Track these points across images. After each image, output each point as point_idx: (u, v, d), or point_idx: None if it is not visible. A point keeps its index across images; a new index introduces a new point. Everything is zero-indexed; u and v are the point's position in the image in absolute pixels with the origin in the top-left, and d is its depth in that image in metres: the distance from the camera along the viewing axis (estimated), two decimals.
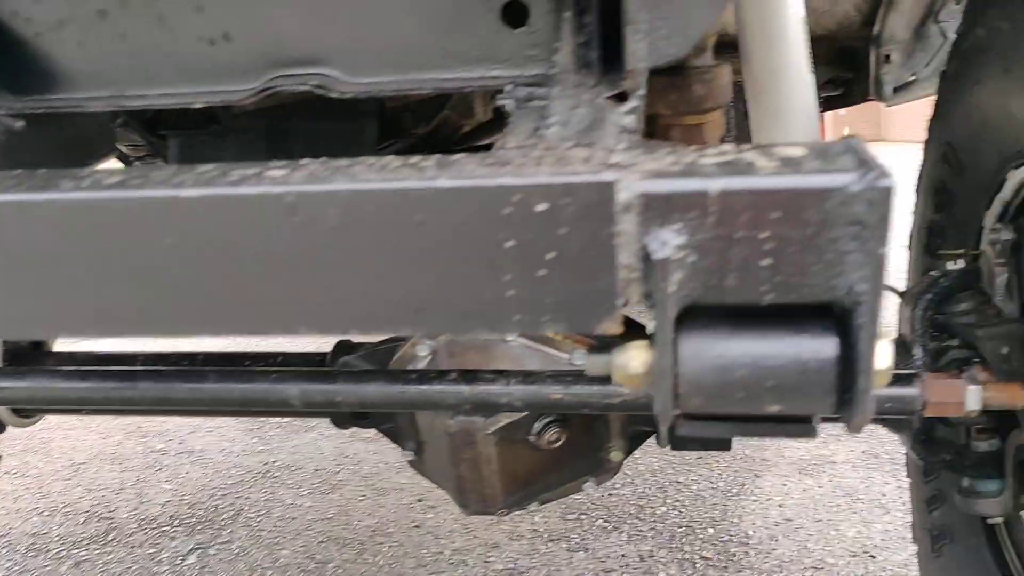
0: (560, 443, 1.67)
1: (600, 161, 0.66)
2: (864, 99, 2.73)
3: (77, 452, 4.13)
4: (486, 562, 2.91)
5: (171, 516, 3.36)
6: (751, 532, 3.08)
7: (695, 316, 0.69)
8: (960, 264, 1.73)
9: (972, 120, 1.76)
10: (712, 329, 0.69)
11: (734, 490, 3.47)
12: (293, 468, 3.79)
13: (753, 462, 3.74)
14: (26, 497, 3.63)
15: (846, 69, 2.74)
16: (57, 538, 3.21)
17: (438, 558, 2.95)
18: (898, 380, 1.45)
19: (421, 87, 0.94)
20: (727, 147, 0.67)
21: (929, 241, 2.07)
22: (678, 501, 3.38)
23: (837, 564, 2.82)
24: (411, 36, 0.93)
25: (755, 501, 3.36)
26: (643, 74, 0.86)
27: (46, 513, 3.45)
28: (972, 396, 1.42)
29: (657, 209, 0.63)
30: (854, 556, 2.87)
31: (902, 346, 1.71)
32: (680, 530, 3.11)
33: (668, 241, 0.63)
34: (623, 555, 2.93)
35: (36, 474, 3.87)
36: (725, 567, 2.83)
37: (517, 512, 1.81)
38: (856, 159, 0.63)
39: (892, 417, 1.51)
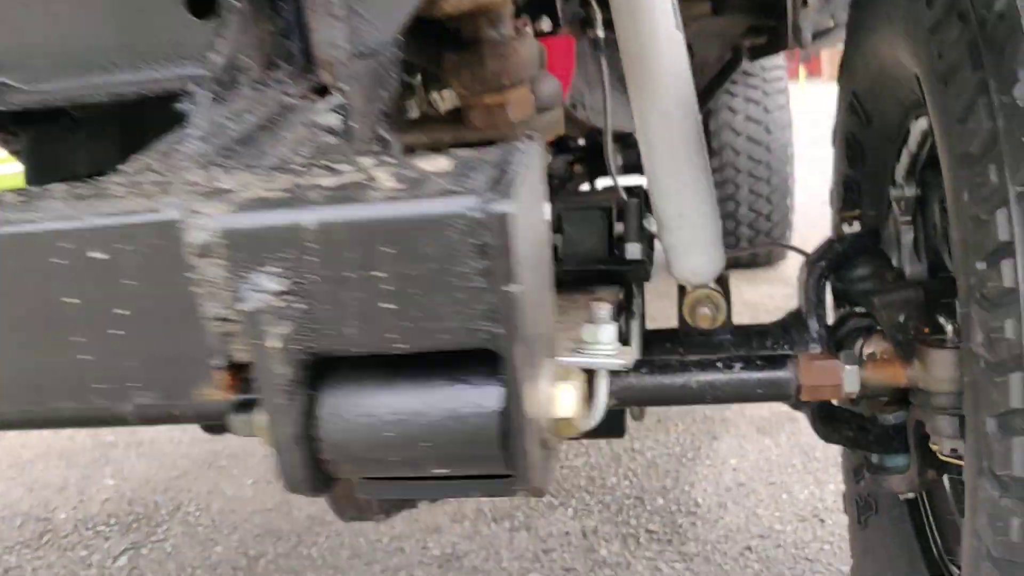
0: None
1: (191, 190, 0.52)
2: (786, 46, 2.57)
3: (25, 449, 4.04)
4: (424, 548, 2.81)
5: (109, 515, 3.27)
6: (701, 500, 2.98)
7: (339, 368, 0.56)
8: (856, 227, 1.59)
9: (871, 69, 1.61)
10: (358, 383, 0.56)
11: (689, 455, 3.37)
12: (240, 456, 3.69)
13: (712, 423, 3.63)
14: None
15: (767, 16, 2.58)
16: None
17: (375, 547, 2.85)
18: (770, 362, 1.32)
19: (103, 93, 0.80)
20: (395, 160, 0.54)
21: (846, 197, 1.93)
22: (630, 470, 3.27)
23: (785, 531, 2.72)
24: (90, 36, 0.79)
25: (709, 465, 3.25)
26: (346, 65, 0.72)
27: None
28: (850, 377, 1.30)
29: (248, 249, 0.49)
30: (803, 521, 2.77)
31: (796, 320, 1.58)
32: (629, 502, 3.01)
33: (263, 287, 0.50)
34: (566, 532, 2.83)
35: None
36: (670, 540, 2.72)
37: (398, 513, 1.69)
38: (494, 176, 0.49)
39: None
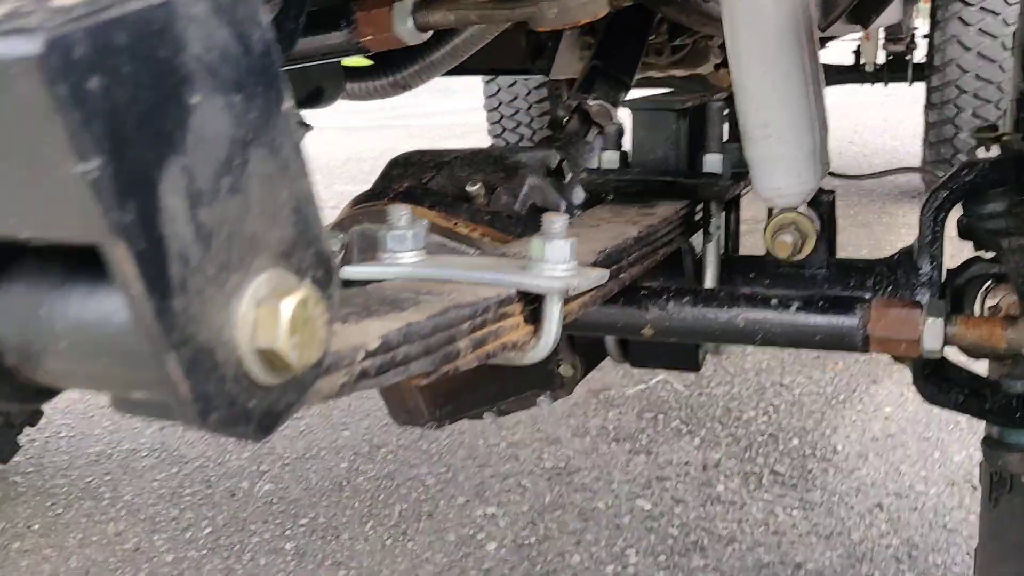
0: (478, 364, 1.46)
1: None
2: None
3: None
4: (539, 458, 2.76)
5: None
6: (840, 447, 2.73)
7: (21, 259, 0.48)
8: (995, 151, 1.32)
9: None
10: (35, 280, 0.47)
11: (841, 396, 3.10)
12: None
13: (876, 365, 3.32)
14: None
15: None
16: None
17: (492, 450, 2.83)
18: (836, 305, 1.11)
19: None
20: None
21: (1019, 117, 1.62)
22: (772, 406, 3.06)
23: (927, 493, 2.44)
24: None
25: (860, 411, 2.98)
26: None
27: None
28: (931, 332, 1.07)
29: None
30: (951, 485, 2.47)
31: (908, 259, 1.34)
32: (761, 439, 2.81)
33: None
34: (686, 462, 2.69)
35: None
36: (794, 485, 2.52)
37: (452, 423, 1.62)
38: (92, 5, 0.37)
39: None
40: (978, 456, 2.64)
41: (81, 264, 0.46)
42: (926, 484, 2.49)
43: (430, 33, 1.30)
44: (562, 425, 2.98)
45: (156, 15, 0.37)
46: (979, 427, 2.77)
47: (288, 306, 0.44)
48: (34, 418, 2.72)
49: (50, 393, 0.51)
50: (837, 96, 10.52)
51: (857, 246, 4.96)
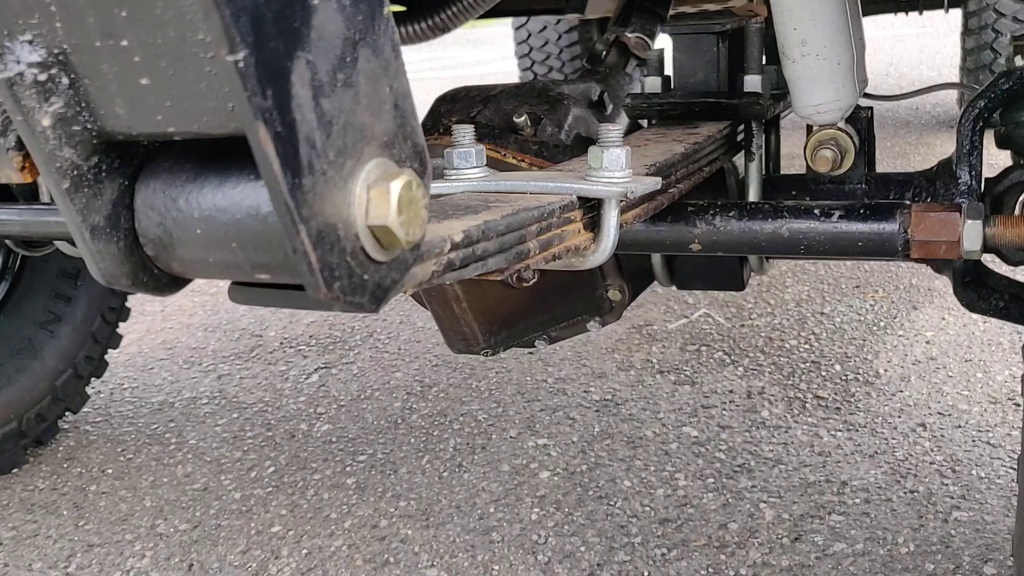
0: (535, 282, 1.52)
1: None
2: None
3: None
4: (586, 391, 2.84)
5: (311, 336, 3.55)
6: (882, 371, 2.77)
7: (160, 157, 0.54)
8: None
9: None
10: (172, 174, 0.53)
11: (882, 323, 3.13)
12: None
13: (916, 292, 3.34)
14: (199, 313, 3.96)
15: None
16: (211, 352, 3.49)
17: (540, 386, 2.91)
18: (876, 212, 1.16)
19: None
20: None
21: None
22: (814, 334, 3.10)
23: (970, 411, 2.48)
24: None
25: (901, 336, 3.01)
26: None
27: (209, 329, 3.75)
28: (971, 233, 1.11)
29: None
30: (994, 403, 2.51)
31: (946, 169, 1.38)
32: (804, 366, 2.86)
33: (22, 57, 0.47)
34: (731, 390, 2.75)
35: (214, 292, 4.20)
36: (838, 408, 2.57)
37: (510, 349, 1.69)
38: None
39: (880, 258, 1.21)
40: (1020, 373, 2.68)
41: (210, 160, 0.52)
42: (969, 403, 2.53)
43: None
44: (607, 360, 3.05)
45: None
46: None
47: (396, 188, 0.50)
48: (100, 369, 2.84)
49: (180, 283, 0.58)
50: (871, 30, 10.35)
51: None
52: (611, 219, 0.85)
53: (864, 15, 6.80)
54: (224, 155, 0.52)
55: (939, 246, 1.12)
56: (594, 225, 0.87)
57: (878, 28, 10.15)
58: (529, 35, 5.77)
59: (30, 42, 0.47)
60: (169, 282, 0.57)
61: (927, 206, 1.14)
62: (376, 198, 0.50)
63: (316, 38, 0.46)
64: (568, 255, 0.84)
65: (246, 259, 0.52)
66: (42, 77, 0.47)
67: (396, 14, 2.27)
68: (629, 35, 1.96)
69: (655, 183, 0.88)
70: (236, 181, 0.50)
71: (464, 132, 0.91)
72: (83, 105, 0.48)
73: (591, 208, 0.87)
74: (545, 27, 5.62)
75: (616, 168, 0.84)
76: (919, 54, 9.81)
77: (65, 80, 0.48)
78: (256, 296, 0.59)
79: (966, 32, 5.19)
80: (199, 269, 0.55)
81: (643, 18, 2.15)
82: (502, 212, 0.73)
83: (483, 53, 11.84)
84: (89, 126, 0.49)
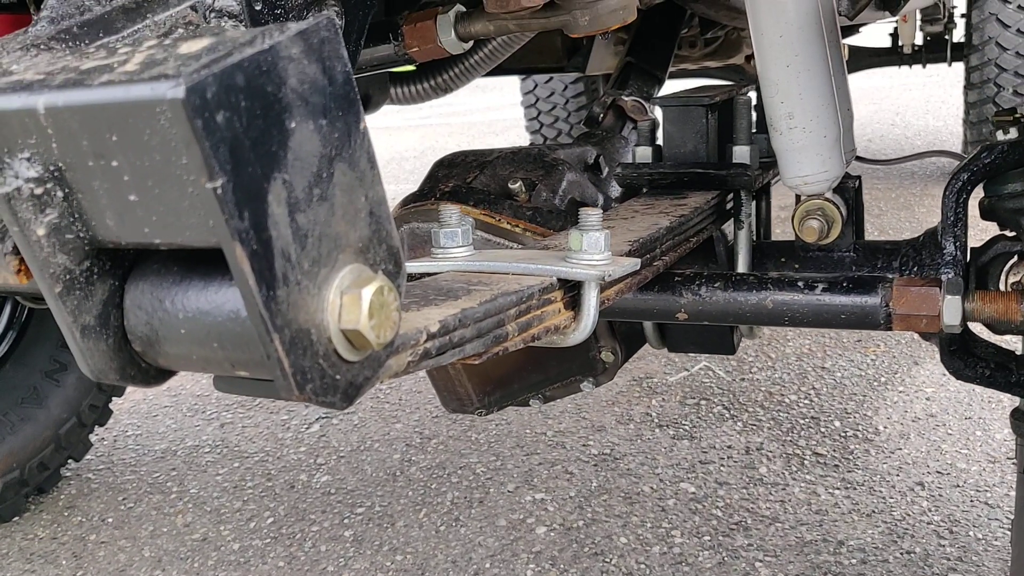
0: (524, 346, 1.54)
1: None
2: None
3: None
4: (584, 445, 2.84)
5: None
6: (882, 428, 2.78)
7: (148, 260, 0.57)
8: (1013, 133, 1.37)
9: None
10: (160, 276, 0.56)
11: (882, 379, 3.14)
12: None
13: (917, 347, 3.35)
14: None
15: None
16: (215, 400, 3.52)
17: (539, 439, 2.92)
18: (859, 286, 1.18)
19: None
20: (170, 42, 0.53)
21: None
22: (814, 389, 3.11)
23: (969, 470, 2.48)
24: None
25: (902, 392, 3.02)
26: None
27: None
28: (950, 308, 1.14)
29: None
30: (993, 462, 2.51)
31: (932, 240, 1.41)
32: (803, 422, 2.87)
33: (20, 172, 0.51)
34: (729, 446, 2.75)
35: None
36: (836, 465, 2.58)
37: (500, 410, 1.71)
38: (221, 57, 0.46)
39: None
40: None
41: (196, 264, 0.55)
42: (967, 462, 2.53)
43: (472, 42, 1.38)
44: (607, 413, 3.06)
45: (264, 58, 0.47)
46: None
47: (367, 293, 0.53)
48: (104, 418, 2.86)
49: (166, 375, 0.61)
50: (878, 79, 10.43)
51: (899, 228, 4.97)
52: (591, 300, 0.88)
53: (868, 68, 6.86)
54: (208, 260, 0.55)
55: (920, 320, 1.14)
56: (575, 304, 0.90)
57: (885, 77, 10.25)
58: (536, 85, 5.85)
59: (28, 159, 0.50)
60: (156, 375, 0.60)
61: (909, 280, 1.16)
62: (348, 304, 0.53)
63: (293, 159, 0.49)
64: (548, 334, 0.87)
65: (226, 357, 0.54)
66: (38, 191, 0.51)
67: (402, 74, 2.33)
68: (626, 98, 2.01)
69: (634, 264, 0.91)
70: (218, 286, 0.53)
71: (451, 212, 0.94)
72: (76, 216, 0.52)
73: (572, 288, 0.90)
74: (551, 79, 5.70)
75: (595, 251, 0.87)
76: (926, 103, 9.89)
77: (60, 193, 0.51)
78: (238, 386, 0.62)
79: (968, 86, 5.25)
80: (184, 363, 0.57)
81: (640, 80, 2.20)
82: (481, 297, 0.76)
83: (492, 99, 11.98)
84: (81, 235, 0.52)
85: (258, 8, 0.68)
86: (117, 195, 0.49)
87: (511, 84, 6.42)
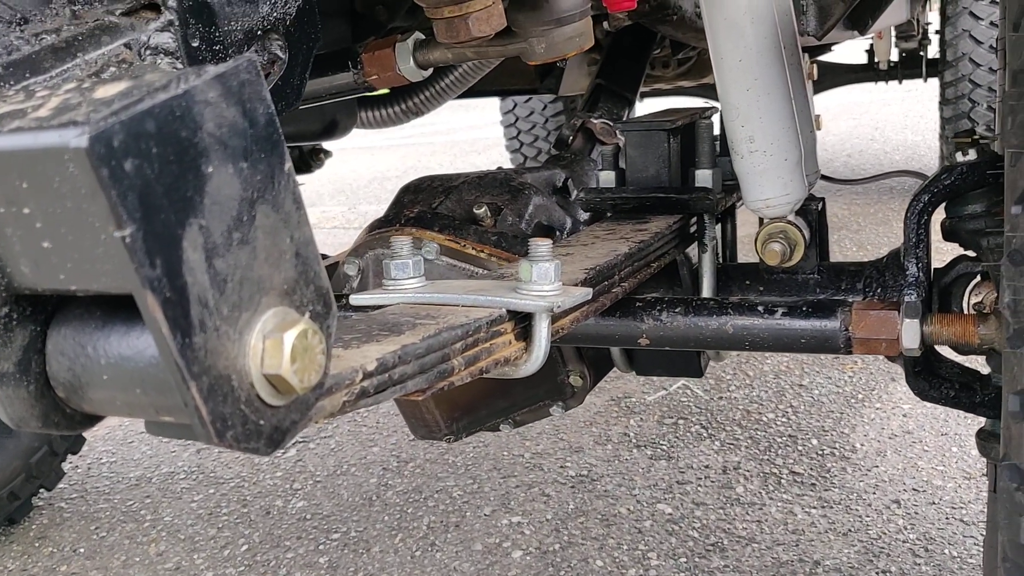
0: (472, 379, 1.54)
1: None
2: None
3: None
4: (562, 467, 2.83)
5: None
6: (858, 445, 2.78)
7: (70, 305, 0.56)
8: (972, 155, 1.38)
9: None
10: (83, 321, 0.55)
11: (860, 396, 3.14)
12: None
13: (894, 365, 3.35)
14: None
15: None
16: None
17: (516, 461, 2.91)
18: (818, 310, 1.18)
19: None
20: (88, 84, 0.52)
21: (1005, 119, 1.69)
22: (791, 407, 3.11)
23: (944, 487, 2.48)
24: None
25: (878, 409, 3.02)
26: None
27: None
28: (909, 332, 1.14)
29: None
30: (968, 479, 2.51)
31: (896, 261, 1.41)
32: (780, 440, 2.87)
33: None
34: (706, 465, 2.75)
35: None
36: (813, 484, 2.57)
37: (468, 436, 1.70)
38: (127, 98, 0.46)
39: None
40: None
41: (118, 309, 0.55)
42: (943, 479, 2.53)
43: (431, 70, 1.38)
44: (584, 433, 3.05)
45: (178, 103, 0.46)
46: None
47: (290, 338, 0.53)
48: (77, 445, 2.83)
49: (93, 420, 0.60)
50: (857, 94, 10.50)
51: (877, 244, 4.99)
52: (541, 331, 0.87)
53: (845, 84, 6.88)
54: (130, 305, 0.54)
55: (879, 344, 1.14)
56: (527, 335, 0.89)
57: (864, 93, 10.32)
58: (515, 105, 5.87)
59: None
60: (82, 420, 0.59)
61: (868, 304, 1.16)
62: (271, 348, 0.52)
63: (211, 203, 0.49)
64: (498, 366, 0.86)
65: (150, 403, 0.53)
66: None
67: (371, 98, 2.33)
68: (595, 121, 2.01)
69: (585, 293, 0.90)
70: (139, 332, 0.53)
71: (402, 243, 0.93)
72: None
73: (523, 319, 0.89)
74: (530, 98, 5.72)
75: (545, 281, 0.86)
76: (904, 119, 9.96)
77: None
78: (168, 431, 0.61)
79: (943, 101, 5.29)
80: (109, 408, 0.56)
81: (611, 102, 2.21)
82: (425, 332, 0.75)
83: (475, 118, 12.00)
84: (1, 283, 0.51)
85: (195, 45, 0.68)
86: (30, 242, 0.49)
87: (493, 103, 6.44)
